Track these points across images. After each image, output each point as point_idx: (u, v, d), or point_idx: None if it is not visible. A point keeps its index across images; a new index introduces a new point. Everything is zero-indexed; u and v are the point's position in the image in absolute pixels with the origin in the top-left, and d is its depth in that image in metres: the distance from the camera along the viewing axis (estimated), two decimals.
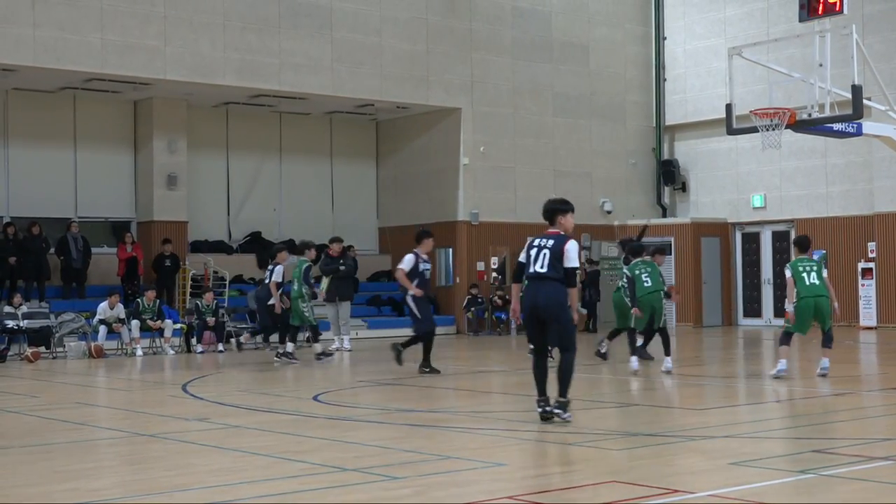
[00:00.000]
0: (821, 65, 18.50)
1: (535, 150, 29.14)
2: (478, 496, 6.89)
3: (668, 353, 15.27)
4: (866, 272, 26.89)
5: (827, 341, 14.09)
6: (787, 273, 14.38)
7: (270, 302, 19.35)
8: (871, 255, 27.13)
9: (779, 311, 28.64)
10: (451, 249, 28.17)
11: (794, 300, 14.17)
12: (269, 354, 20.98)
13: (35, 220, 23.77)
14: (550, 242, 10.15)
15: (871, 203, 27.32)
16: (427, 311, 15.92)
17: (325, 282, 21.39)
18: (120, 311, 21.33)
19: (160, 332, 21.57)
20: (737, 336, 25.76)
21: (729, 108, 19.98)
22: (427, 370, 15.69)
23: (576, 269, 10.16)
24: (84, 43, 22.46)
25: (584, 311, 26.60)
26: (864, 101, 18.83)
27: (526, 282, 10.30)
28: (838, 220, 27.86)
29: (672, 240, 29.53)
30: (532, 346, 10.58)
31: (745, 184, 29.96)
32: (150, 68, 23.27)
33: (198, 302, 22.40)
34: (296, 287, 18.64)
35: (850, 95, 18.39)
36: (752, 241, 29.70)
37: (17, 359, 20.01)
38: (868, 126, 20.12)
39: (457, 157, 27.80)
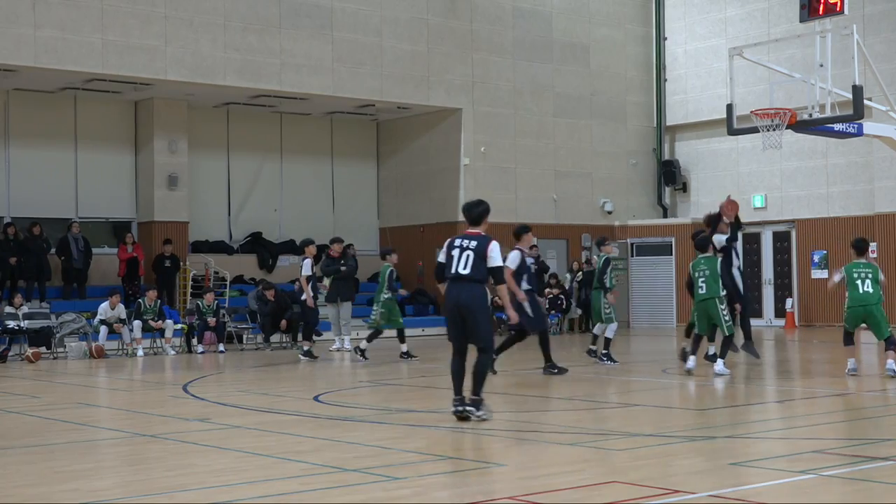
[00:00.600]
0: (821, 65, 18.49)
1: (536, 150, 29.14)
2: (478, 496, 6.89)
3: (723, 355, 14.81)
4: None
5: (890, 344, 13.95)
6: (839, 276, 14.25)
7: (303, 297, 19.37)
8: (871, 256, 27.10)
9: (780, 312, 28.66)
10: None
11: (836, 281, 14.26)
12: (270, 355, 21.04)
13: (36, 220, 23.79)
14: (473, 243, 10.27)
15: (871, 203, 27.32)
16: (539, 309, 15.51)
17: (325, 282, 21.40)
18: (121, 311, 21.34)
19: (161, 332, 21.58)
20: (738, 336, 25.67)
21: (730, 108, 19.98)
22: (555, 371, 15.26)
23: (501, 268, 10.31)
24: (85, 43, 22.47)
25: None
26: (865, 102, 18.82)
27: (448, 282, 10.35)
28: (839, 221, 27.85)
29: (673, 240, 29.53)
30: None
31: (745, 184, 29.95)
32: (150, 69, 23.28)
33: (198, 302, 22.41)
34: (384, 292, 18.55)
35: (850, 96, 18.39)
36: (752, 242, 29.69)
37: (17, 359, 20.03)
38: (869, 126, 20.12)
39: (457, 158, 27.80)
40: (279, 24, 24.94)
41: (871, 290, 13.94)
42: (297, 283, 21.03)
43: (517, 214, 28.57)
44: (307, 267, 19.09)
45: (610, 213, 30.52)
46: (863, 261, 14.39)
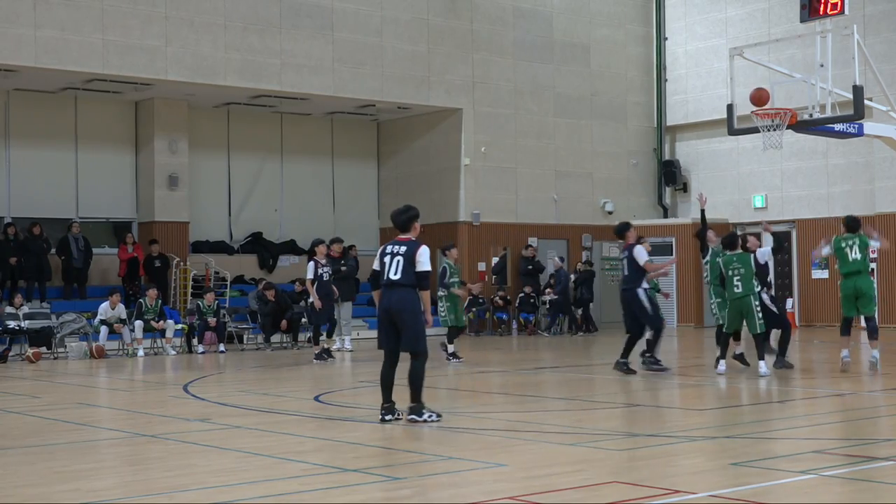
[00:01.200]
0: (822, 65, 18.49)
1: (537, 150, 29.14)
2: (479, 497, 6.88)
3: (761, 356, 14.65)
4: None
5: (872, 332, 14.36)
6: (827, 249, 14.52)
7: (310, 300, 19.32)
8: (872, 256, 27.05)
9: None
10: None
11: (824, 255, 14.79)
12: (271, 355, 21.03)
13: (36, 220, 23.80)
14: (403, 248, 10.26)
15: (872, 203, 27.31)
16: (657, 306, 15.43)
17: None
18: (121, 311, 21.34)
19: (161, 332, 21.58)
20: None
21: (730, 108, 19.98)
22: (655, 365, 15.15)
23: (428, 272, 10.24)
24: (85, 43, 22.47)
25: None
26: (865, 102, 18.82)
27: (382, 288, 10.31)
28: (839, 221, 27.75)
29: (673, 240, 29.52)
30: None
31: (746, 184, 29.96)
32: (151, 69, 23.29)
33: (199, 302, 22.41)
34: (439, 290, 18.39)
35: (851, 96, 18.38)
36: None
37: (18, 359, 20.03)
38: (869, 126, 20.11)
39: (458, 158, 27.80)
40: (280, 25, 24.95)
41: (858, 256, 14.45)
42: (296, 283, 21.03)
43: (517, 214, 28.62)
44: (311, 270, 18.97)
45: (610, 213, 30.52)
46: (851, 234, 14.79)
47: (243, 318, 23.84)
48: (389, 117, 28.98)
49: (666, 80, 31.57)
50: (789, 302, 28.56)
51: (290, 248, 28.35)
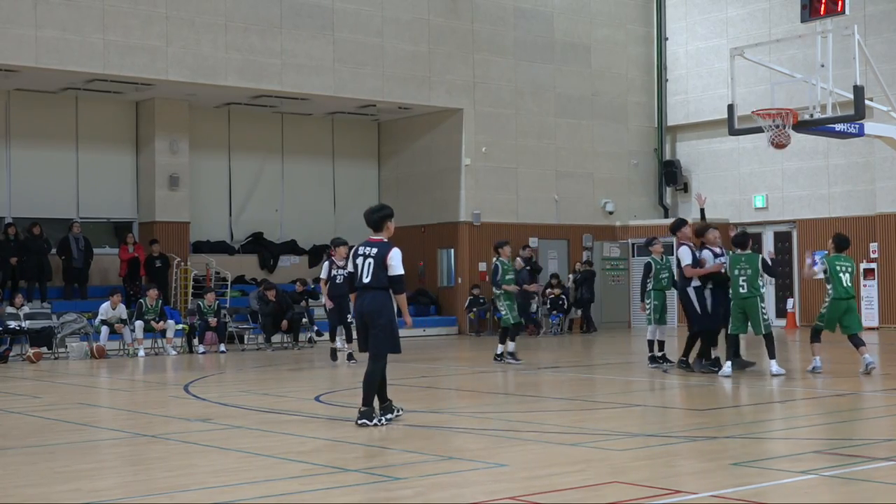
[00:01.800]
0: (822, 65, 18.48)
1: (537, 150, 29.15)
2: (479, 497, 6.89)
3: (772, 356, 14.60)
4: (868, 273, 26.88)
5: (858, 344, 14.53)
6: (821, 266, 14.58)
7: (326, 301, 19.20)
8: (872, 256, 27.12)
9: (780, 312, 28.64)
10: (452, 250, 28.19)
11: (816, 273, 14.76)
12: (271, 355, 21.02)
13: (37, 220, 23.82)
14: (374, 251, 10.11)
15: (872, 204, 27.32)
16: (707, 307, 15.32)
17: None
18: (122, 311, 21.35)
19: (162, 332, 21.58)
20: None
21: (731, 108, 19.97)
22: (711, 367, 15.04)
23: (400, 276, 10.08)
24: (86, 44, 22.48)
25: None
26: (866, 102, 18.81)
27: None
28: (840, 221, 27.82)
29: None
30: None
31: (746, 184, 29.96)
32: (151, 69, 23.29)
33: (199, 302, 22.42)
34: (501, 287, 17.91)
35: (851, 96, 18.37)
36: (753, 242, 29.58)
37: (19, 359, 20.04)
38: (870, 127, 20.11)
39: (459, 158, 27.81)
40: (280, 25, 24.95)
41: (851, 284, 14.56)
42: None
43: (518, 215, 28.61)
44: (325, 269, 18.81)
45: (611, 213, 30.53)
46: (843, 255, 14.77)
47: (244, 318, 23.85)
48: (390, 117, 28.99)
49: (666, 81, 31.57)
50: (790, 302, 28.57)
51: (291, 248, 28.36)
